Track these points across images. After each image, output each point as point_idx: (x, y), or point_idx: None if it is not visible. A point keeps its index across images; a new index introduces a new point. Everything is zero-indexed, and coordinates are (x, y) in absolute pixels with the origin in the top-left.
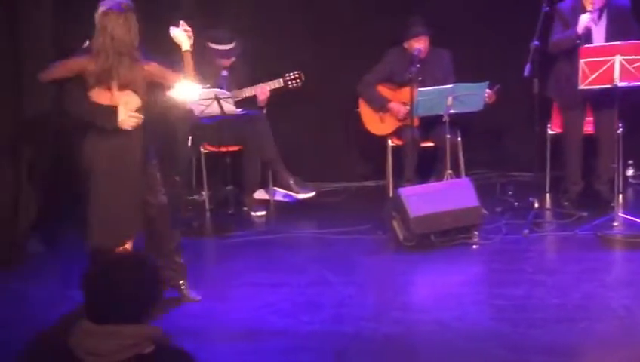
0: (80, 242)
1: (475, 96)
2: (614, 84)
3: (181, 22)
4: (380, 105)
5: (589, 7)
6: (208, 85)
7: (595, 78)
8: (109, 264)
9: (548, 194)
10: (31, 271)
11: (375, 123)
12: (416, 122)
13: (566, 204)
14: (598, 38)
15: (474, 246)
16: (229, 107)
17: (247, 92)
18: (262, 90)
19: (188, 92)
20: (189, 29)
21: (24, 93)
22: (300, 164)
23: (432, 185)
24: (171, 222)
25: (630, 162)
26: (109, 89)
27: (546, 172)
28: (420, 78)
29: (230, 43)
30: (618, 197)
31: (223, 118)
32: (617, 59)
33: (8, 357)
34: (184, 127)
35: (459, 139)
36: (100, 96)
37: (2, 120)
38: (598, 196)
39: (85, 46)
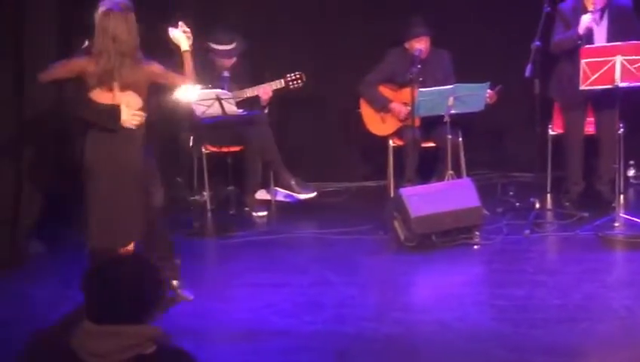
0: (81, 243)
1: (477, 96)
2: (615, 84)
3: (180, 23)
4: (382, 106)
5: (590, 8)
6: (210, 86)
7: (596, 78)
8: (109, 264)
9: (549, 195)
10: (32, 271)
11: (376, 123)
12: (417, 122)
13: (567, 204)
14: (600, 38)
15: (475, 247)
16: (231, 108)
17: (249, 92)
18: (264, 91)
19: (188, 93)
20: (188, 29)
21: (25, 94)
22: (301, 164)
23: (433, 186)
24: (166, 222)
25: (631, 162)
26: (111, 90)
27: (547, 172)
28: (420, 79)
29: (231, 43)
30: (619, 197)
31: (225, 119)
32: (618, 60)
33: (8, 357)
34: (185, 128)
35: (460, 139)
36: (101, 96)
37: (3, 120)
38: (599, 196)
39: (85, 46)
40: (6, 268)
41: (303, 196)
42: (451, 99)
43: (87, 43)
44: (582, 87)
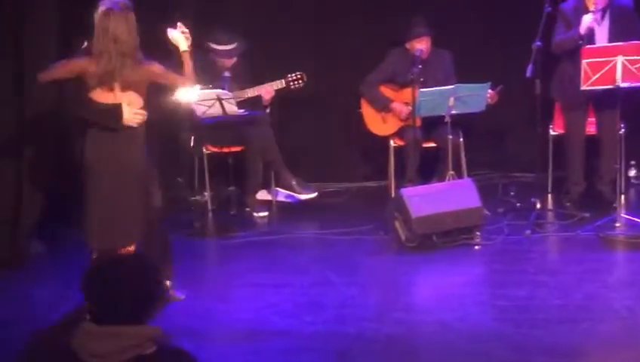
0: (81, 243)
1: (478, 96)
2: (616, 84)
3: (178, 23)
4: (383, 106)
5: (591, 8)
6: (210, 86)
7: (597, 78)
8: (109, 265)
9: (550, 195)
10: (32, 271)
11: (377, 123)
12: (418, 123)
13: (568, 204)
14: (601, 38)
15: (476, 247)
16: (232, 108)
17: (250, 92)
18: (267, 90)
19: (189, 94)
20: (187, 30)
21: (25, 94)
22: (301, 164)
23: (434, 186)
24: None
25: (632, 163)
26: (112, 90)
27: (548, 172)
28: (421, 79)
29: (231, 43)
30: (620, 197)
31: (225, 119)
32: (619, 60)
33: (9, 357)
34: (186, 128)
35: (461, 139)
36: (101, 97)
37: (4, 120)
38: (600, 197)
39: (84, 47)
40: (6, 268)
41: (303, 196)
42: (452, 99)
43: (86, 43)
44: (583, 88)
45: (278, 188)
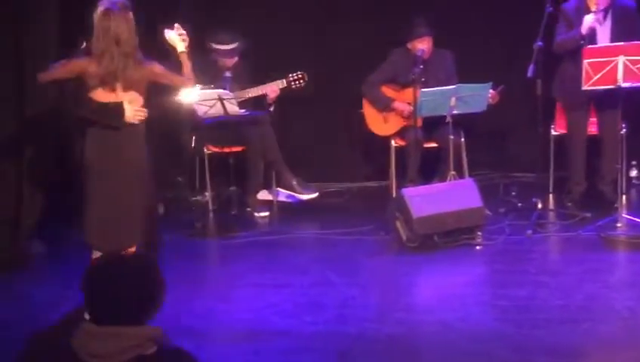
0: (81, 243)
1: (479, 96)
2: (618, 84)
3: (176, 25)
4: (384, 105)
5: (593, 8)
6: (212, 86)
7: (598, 78)
8: (109, 265)
9: (551, 195)
10: (33, 271)
11: (378, 123)
12: (419, 123)
13: (569, 204)
14: (603, 38)
15: (477, 247)
16: (233, 108)
17: (252, 92)
18: (272, 89)
19: (191, 95)
20: (184, 32)
21: (26, 94)
22: (302, 164)
23: (436, 186)
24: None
25: (634, 163)
26: (114, 90)
27: (550, 173)
28: (423, 79)
29: (232, 43)
30: (621, 197)
31: (226, 119)
32: (621, 60)
33: (9, 357)
34: (187, 128)
35: (462, 139)
36: (103, 97)
37: (4, 121)
38: (601, 197)
39: (83, 47)
40: (7, 268)
41: (304, 196)
42: (453, 99)
43: (85, 44)
44: (584, 88)
45: (279, 188)
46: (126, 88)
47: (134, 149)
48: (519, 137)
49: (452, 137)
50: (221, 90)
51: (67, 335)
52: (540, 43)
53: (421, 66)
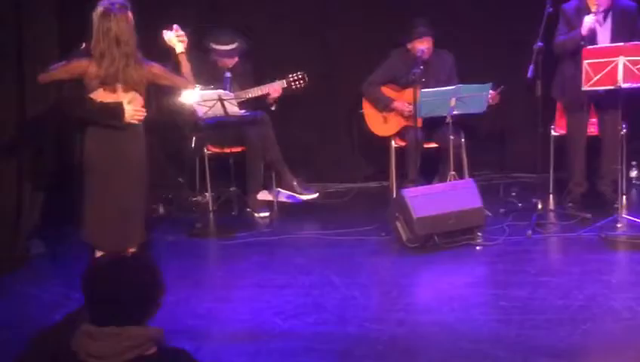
0: (81, 243)
1: (479, 97)
2: (618, 85)
3: (174, 26)
4: (384, 105)
5: (593, 9)
6: (212, 86)
7: (598, 79)
8: (109, 265)
9: (551, 196)
10: (33, 272)
11: (379, 124)
12: (419, 123)
13: (569, 205)
14: (604, 39)
15: (477, 248)
16: (233, 108)
17: (252, 93)
18: (275, 89)
19: (193, 95)
20: (183, 33)
21: (26, 95)
22: (303, 165)
23: (436, 186)
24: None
25: (634, 163)
26: (114, 91)
27: (550, 173)
28: (423, 80)
29: (232, 43)
30: (622, 198)
31: (227, 119)
32: (621, 61)
33: (9, 357)
34: (188, 129)
35: (462, 140)
36: (104, 97)
37: (5, 121)
38: (601, 197)
39: (82, 47)
40: (7, 268)
41: (305, 197)
42: (453, 100)
43: (84, 44)
44: (584, 88)
45: (279, 189)
46: (126, 89)
47: (134, 149)
48: (519, 138)
49: (452, 138)
50: (221, 91)
51: (67, 336)
52: (540, 43)
53: (421, 67)
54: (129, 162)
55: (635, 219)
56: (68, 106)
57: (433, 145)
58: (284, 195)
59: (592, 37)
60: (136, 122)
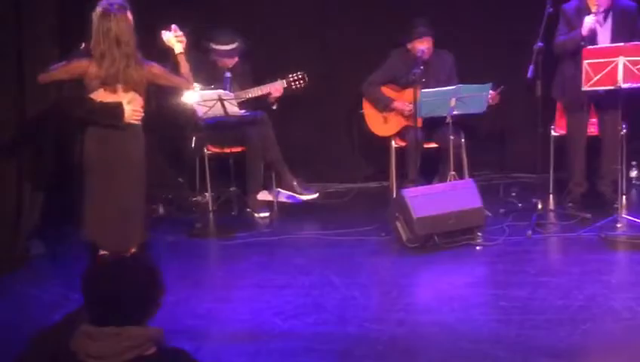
0: (81, 243)
1: (479, 97)
2: (618, 85)
3: (173, 26)
4: (384, 105)
5: (593, 9)
6: (212, 86)
7: (598, 79)
8: (109, 266)
9: (551, 196)
10: (33, 272)
11: (379, 124)
12: (419, 123)
13: (569, 205)
14: (604, 39)
15: (477, 248)
16: (232, 108)
17: (252, 93)
18: (276, 88)
19: (194, 95)
20: (181, 33)
21: (26, 95)
22: (303, 165)
23: (436, 187)
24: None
25: (634, 163)
26: (115, 91)
27: (550, 173)
28: (423, 80)
29: (231, 43)
30: (621, 198)
31: (226, 120)
32: (621, 61)
33: (9, 358)
34: (187, 129)
35: (462, 140)
36: (104, 98)
37: (4, 121)
38: (601, 197)
39: (82, 48)
40: (7, 268)
41: (305, 197)
42: (453, 100)
43: (83, 45)
44: (584, 88)
45: (279, 189)
46: (127, 89)
47: (134, 149)
48: (519, 138)
49: (452, 138)
50: (221, 91)
51: (67, 336)
52: (540, 43)
53: (421, 67)
54: (129, 162)
55: (635, 219)
56: (68, 106)
57: (433, 145)
58: (284, 195)
59: (592, 37)
60: (136, 122)
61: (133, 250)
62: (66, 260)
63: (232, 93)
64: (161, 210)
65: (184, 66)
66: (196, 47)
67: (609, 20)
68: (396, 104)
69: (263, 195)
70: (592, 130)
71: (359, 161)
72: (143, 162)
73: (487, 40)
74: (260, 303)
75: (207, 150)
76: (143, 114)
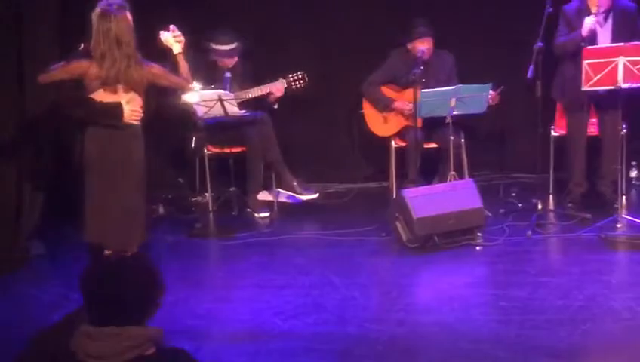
0: (81, 243)
1: (479, 97)
2: (618, 85)
3: (171, 26)
4: (385, 105)
5: (593, 10)
6: (212, 86)
7: (598, 79)
8: (109, 266)
9: (551, 196)
10: (33, 272)
11: (379, 124)
12: (419, 123)
13: (569, 205)
14: (604, 40)
15: (477, 248)
16: (232, 108)
17: (252, 93)
18: (277, 88)
19: (195, 96)
20: (179, 33)
21: (26, 95)
22: (303, 165)
23: (436, 187)
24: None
25: (634, 163)
26: (115, 92)
27: (550, 173)
28: (423, 80)
29: (231, 43)
30: (621, 198)
31: (226, 120)
32: (621, 61)
33: (8, 358)
34: (187, 129)
35: (462, 140)
36: (104, 98)
37: (4, 121)
38: (601, 198)
39: (81, 48)
40: (7, 268)
41: (305, 197)
42: (453, 100)
43: (82, 45)
44: (584, 88)
45: (279, 189)
46: (127, 89)
47: (133, 149)
48: (519, 138)
49: (452, 138)
50: (221, 91)
51: (67, 337)
52: (540, 44)
53: (421, 67)
54: (129, 162)
55: (635, 220)
56: (68, 106)
57: (433, 145)
58: (284, 195)
59: (592, 38)
60: (135, 122)
61: (133, 250)
62: (65, 261)
63: (232, 93)
64: (161, 210)
65: (183, 66)
66: (196, 47)
67: (609, 21)
68: (397, 104)
69: (263, 195)
70: (592, 130)
71: (359, 161)
72: (143, 162)
73: (487, 40)
74: (260, 303)
75: (207, 150)
76: (142, 114)
